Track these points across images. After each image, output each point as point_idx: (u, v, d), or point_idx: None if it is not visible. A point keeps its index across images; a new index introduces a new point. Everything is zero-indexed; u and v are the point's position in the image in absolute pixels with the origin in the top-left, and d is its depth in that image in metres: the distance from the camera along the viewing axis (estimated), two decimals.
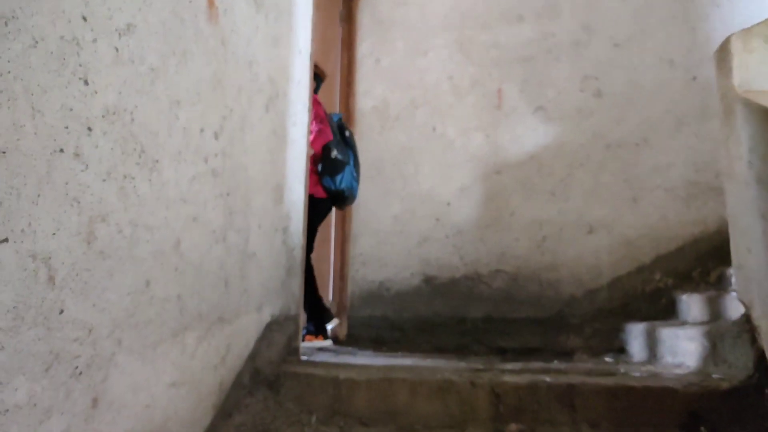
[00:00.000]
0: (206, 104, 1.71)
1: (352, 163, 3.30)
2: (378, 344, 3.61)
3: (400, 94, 3.98)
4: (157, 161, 1.43)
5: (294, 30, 2.61)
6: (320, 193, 3.25)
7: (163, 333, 1.47)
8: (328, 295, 3.80)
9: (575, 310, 3.70)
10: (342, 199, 3.28)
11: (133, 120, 1.34)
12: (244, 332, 2.04)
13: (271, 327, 2.31)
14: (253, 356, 2.11)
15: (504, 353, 3.61)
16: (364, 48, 4.04)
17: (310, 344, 3.23)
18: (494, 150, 3.88)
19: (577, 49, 3.89)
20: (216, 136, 1.77)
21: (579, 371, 2.51)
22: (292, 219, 2.58)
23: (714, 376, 2.12)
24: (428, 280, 3.81)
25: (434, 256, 3.83)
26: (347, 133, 3.38)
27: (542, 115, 3.87)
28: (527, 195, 3.83)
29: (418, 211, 3.87)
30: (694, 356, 2.45)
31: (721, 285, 3.49)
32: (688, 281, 3.66)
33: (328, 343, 3.30)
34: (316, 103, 3.28)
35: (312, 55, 2.94)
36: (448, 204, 3.86)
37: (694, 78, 3.83)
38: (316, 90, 3.32)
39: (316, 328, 3.28)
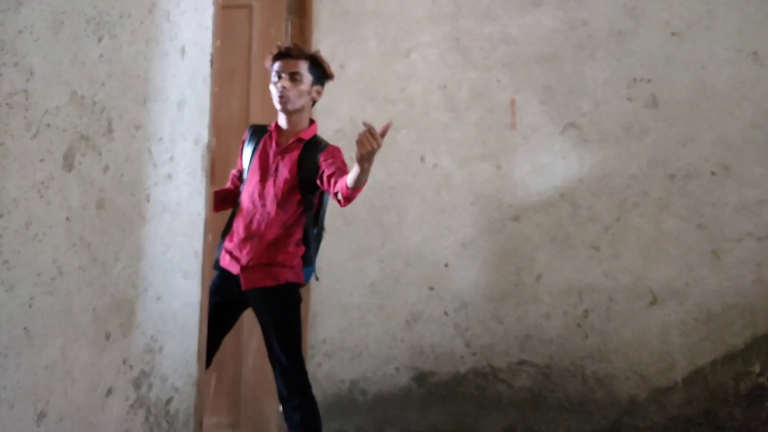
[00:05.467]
0: None
1: None
2: None
3: (375, 111, 2.85)
4: None
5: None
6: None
7: None
8: (278, 405, 2.64)
9: (638, 420, 2.54)
10: None
11: None
12: None
13: None
14: None
15: None
16: (323, 49, 2.87)
17: None
18: (509, 187, 2.74)
19: (620, 41, 2.75)
20: None
21: None
22: (164, 351, 1.43)
23: None
24: (421, 377, 2.65)
25: (429, 342, 2.67)
26: None
27: (575, 135, 2.74)
28: (559, 250, 2.67)
29: (405, 276, 2.73)
30: None
31: None
32: None
33: None
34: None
35: (215, 58, 1.81)
36: (446, 265, 2.72)
37: None
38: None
39: None
